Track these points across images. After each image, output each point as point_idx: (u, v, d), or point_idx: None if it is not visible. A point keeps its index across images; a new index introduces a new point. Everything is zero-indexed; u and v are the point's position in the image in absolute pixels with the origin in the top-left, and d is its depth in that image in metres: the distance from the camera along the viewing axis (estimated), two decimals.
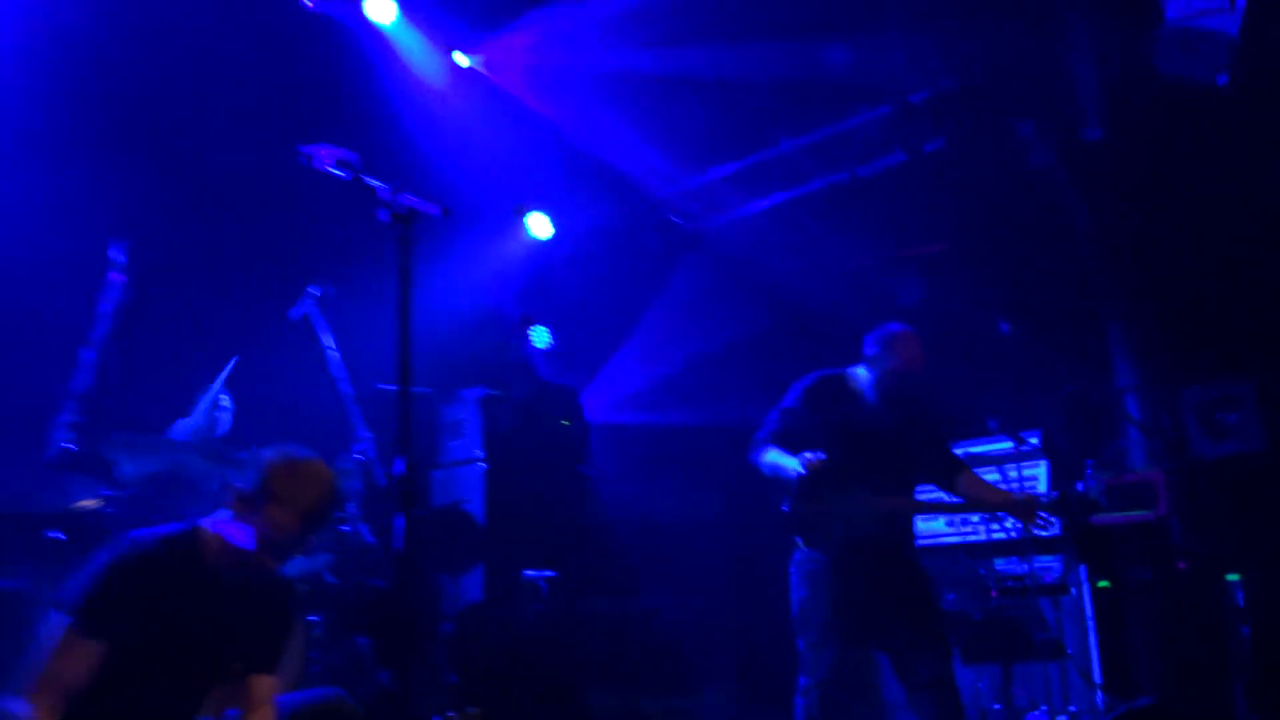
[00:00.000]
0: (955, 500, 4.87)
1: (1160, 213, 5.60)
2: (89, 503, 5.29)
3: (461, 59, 7.72)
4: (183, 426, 5.55)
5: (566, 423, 6.79)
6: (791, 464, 4.42)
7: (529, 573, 6.24)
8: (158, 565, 3.21)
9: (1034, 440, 6.02)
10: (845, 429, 4.61)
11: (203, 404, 5.56)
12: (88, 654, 3.07)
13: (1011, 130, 6.15)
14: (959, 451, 6.25)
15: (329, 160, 3.28)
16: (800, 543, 4.63)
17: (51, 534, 5.23)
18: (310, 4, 7.05)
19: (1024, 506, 4.65)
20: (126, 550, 3.20)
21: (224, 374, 5.52)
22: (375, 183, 3.14)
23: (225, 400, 5.65)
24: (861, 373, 4.78)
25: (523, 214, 3.07)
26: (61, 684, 3.05)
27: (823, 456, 4.34)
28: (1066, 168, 5.96)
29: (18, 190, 5.87)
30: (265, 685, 3.38)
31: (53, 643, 3.08)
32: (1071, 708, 5.58)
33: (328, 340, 5.70)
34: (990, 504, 4.91)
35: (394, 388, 3.58)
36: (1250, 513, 5.34)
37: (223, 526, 3.27)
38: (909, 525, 4.80)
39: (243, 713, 3.32)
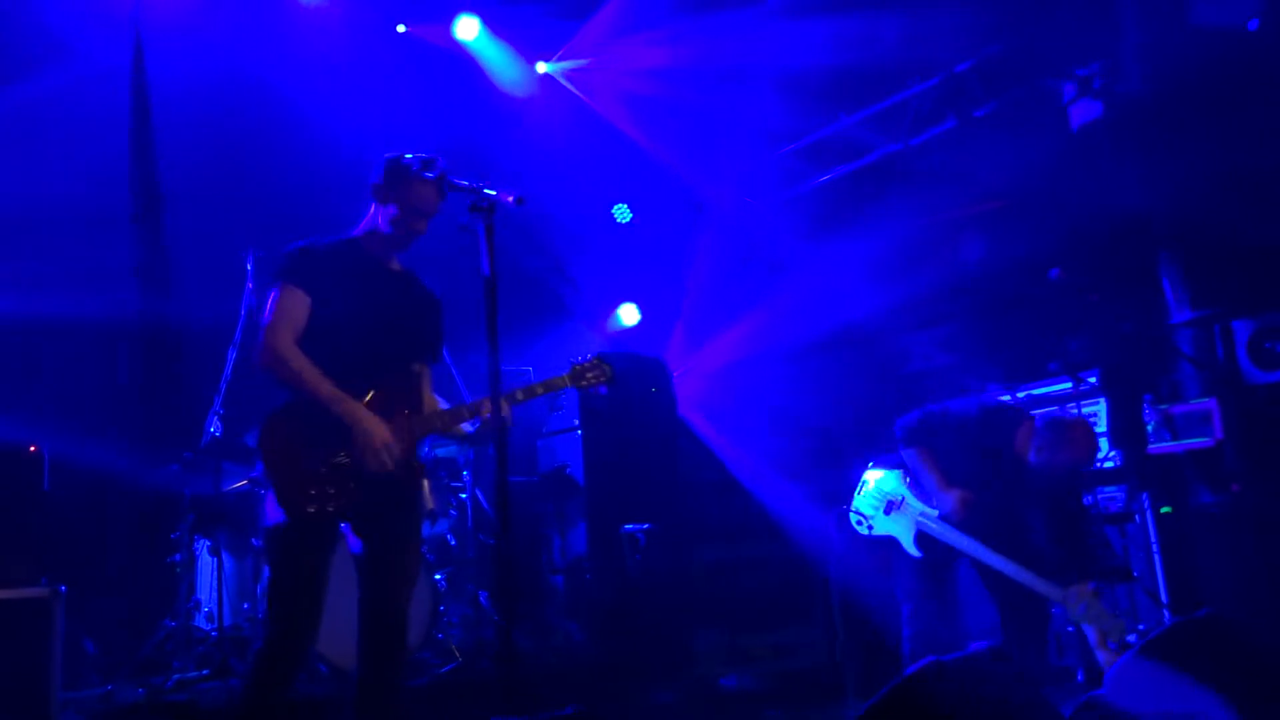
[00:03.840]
0: None
1: (1201, 158, 5.50)
2: (238, 485, 5.69)
3: (541, 67, 7.96)
4: None
5: (655, 390, 6.97)
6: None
7: (628, 527, 6.45)
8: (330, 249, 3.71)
9: (1093, 380, 6.02)
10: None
11: None
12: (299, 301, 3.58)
13: (1055, 89, 6.11)
14: (1023, 394, 6.30)
15: (416, 164, 3.59)
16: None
17: (207, 514, 5.64)
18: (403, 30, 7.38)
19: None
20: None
21: None
22: (461, 181, 3.42)
23: None
24: None
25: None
26: (284, 322, 3.55)
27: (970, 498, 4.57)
28: (1109, 121, 5.90)
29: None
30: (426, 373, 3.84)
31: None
32: (1140, 627, 5.58)
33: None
34: None
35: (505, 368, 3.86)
36: None
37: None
38: None
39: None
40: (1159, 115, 5.69)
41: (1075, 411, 5.99)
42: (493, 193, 3.25)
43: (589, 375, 3.86)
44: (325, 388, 3.52)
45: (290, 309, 3.59)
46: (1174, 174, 5.61)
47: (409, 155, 3.68)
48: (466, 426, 3.87)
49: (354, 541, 3.72)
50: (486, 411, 3.59)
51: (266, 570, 3.61)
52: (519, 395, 3.69)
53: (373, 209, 3.79)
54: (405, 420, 3.62)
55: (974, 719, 2.57)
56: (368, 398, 3.60)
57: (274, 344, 3.56)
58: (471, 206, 3.27)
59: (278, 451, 3.51)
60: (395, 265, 3.84)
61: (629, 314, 8.64)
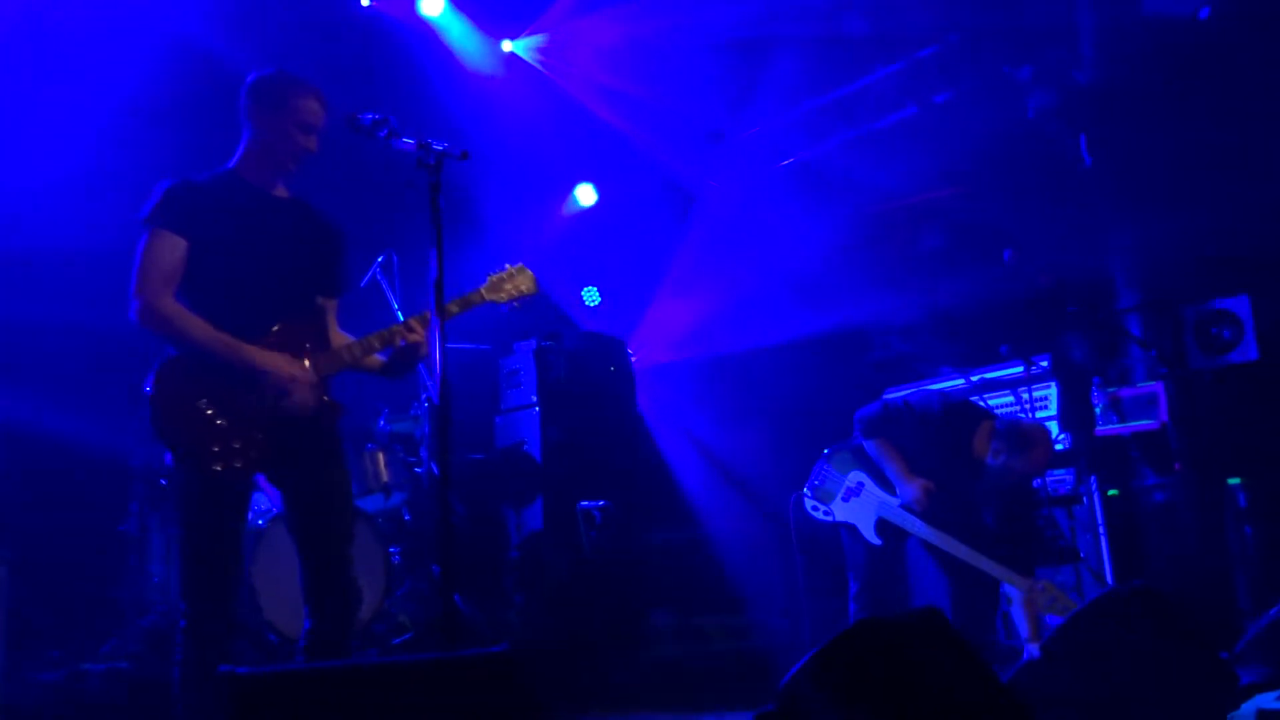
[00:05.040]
0: None
1: (1153, 145, 5.57)
2: None
3: (507, 45, 7.91)
4: None
5: (613, 369, 6.97)
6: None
7: (584, 504, 6.45)
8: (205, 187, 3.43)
9: (1044, 364, 6.07)
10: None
11: None
12: (174, 246, 3.28)
13: (1012, 76, 6.16)
14: (975, 378, 6.36)
15: (367, 123, 3.40)
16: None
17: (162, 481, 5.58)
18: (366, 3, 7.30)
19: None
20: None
21: None
22: (407, 139, 3.14)
23: None
24: None
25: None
26: (159, 273, 3.26)
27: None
28: (1064, 107, 5.96)
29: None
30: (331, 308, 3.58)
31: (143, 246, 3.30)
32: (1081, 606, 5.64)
33: (394, 302, 5.96)
34: None
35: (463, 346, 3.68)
36: (1245, 419, 5.34)
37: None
38: None
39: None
40: (1113, 102, 5.75)
41: (1028, 400, 6.05)
42: (440, 147, 3.09)
43: (506, 286, 3.55)
44: (215, 339, 3.24)
45: (163, 256, 3.27)
46: (1125, 162, 5.67)
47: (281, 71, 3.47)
48: (380, 358, 3.57)
49: (273, 498, 3.50)
50: (398, 338, 3.39)
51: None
52: (429, 317, 3.35)
53: (248, 135, 3.51)
54: (310, 358, 3.38)
55: (910, 677, 2.57)
56: (268, 338, 3.35)
57: (149, 299, 3.25)
58: (418, 162, 3.09)
59: (172, 406, 3.21)
60: (281, 192, 3.54)
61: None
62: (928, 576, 4.98)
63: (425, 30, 7.43)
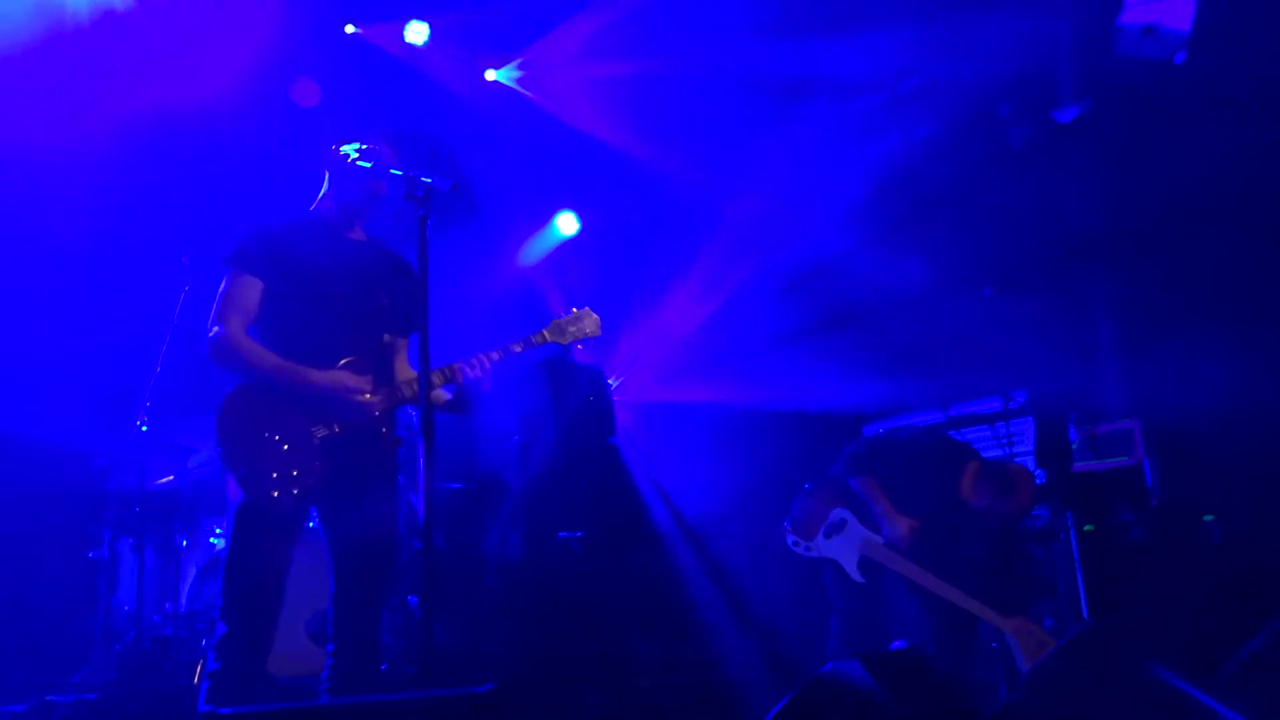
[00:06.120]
0: None
1: (1130, 181, 5.65)
2: (164, 480, 5.56)
3: (491, 74, 7.93)
4: None
5: (592, 398, 6.95)
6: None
7: (563, 534, 6.41)
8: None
9: (1020, 399, 6.11)
10: None
11: None
12: (250, 287, 3.45)
13: (992, 113, 6.24)
14: (953, 413, 6.39)
15: (355, 153, 3.52)
16: None
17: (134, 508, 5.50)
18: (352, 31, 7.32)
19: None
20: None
21: None
22: (395, 170, 3.29)
23: None
24: None
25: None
26: (235, 312, 3.43)
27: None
28: (1044, 143, 6.04)
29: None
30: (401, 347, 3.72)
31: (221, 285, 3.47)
32: (1061, 643, 5.64)
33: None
34: None
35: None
36: (1221, 458, 5.38)
37: None
38: None
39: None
40: (1090, 140, 5.83)
41: (1005, 435, 6.08)
42: (429, 180, 3.13)
43: (570, 329, 3.63)
44: (281, 366, 3.37)
45: (240, 295, 3.45)
46: (1104, 194, 5.74)
47: (353, 145, 3.60)
48: (445, 393, 3.64)
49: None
50: (460, 375, 3.44)
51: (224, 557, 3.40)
52: (496, 355, 3.50)
53: (326, 179, 3.69)
54: (373, 393, 3.46)
55: (893, 713, 2.57)
56: (334, 371, 3.45)
57: (224, 335, 3.41)
58: (406, 194, 3.14)
59: (237, 431, 3.33)
60: (358, 234, 3.70)
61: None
62: (909, 614, 4.97)
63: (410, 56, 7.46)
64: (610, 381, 7.37)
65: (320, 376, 3.38)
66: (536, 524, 6.53)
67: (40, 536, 5.68)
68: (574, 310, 3.67)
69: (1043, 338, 5.81)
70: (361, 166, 3.54)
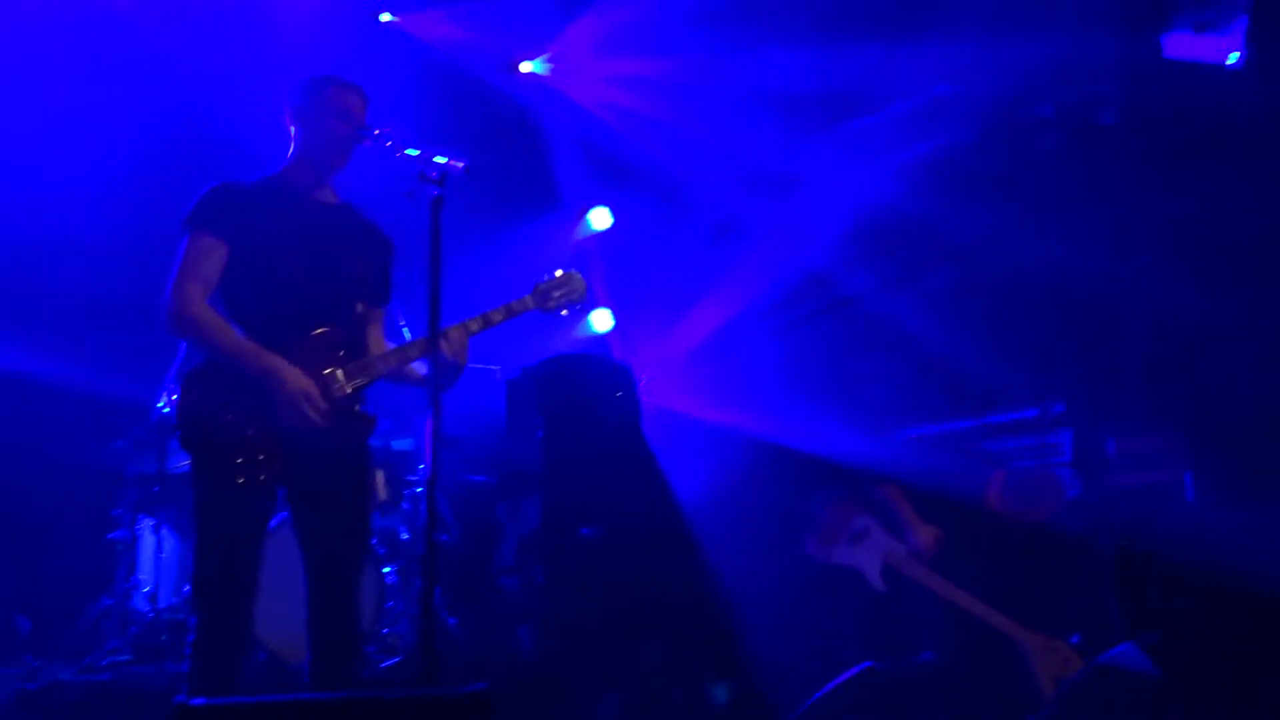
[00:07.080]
0: None
1: (1171, 189, 5.49)
2: (184, 463, 5.54)
3: (526, 66, 7.87)
4: None
5: (619, 395, 6.86)
6: None
7: (584, 531, 6.33)
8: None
9: (1058, 409, 5.95)
10: None
11: None
12: (212, 250, 3.25)
13: (1032, 117, 6.09)
14: (986, 422, 6.22)
15: (374, 132, 3.30)
16: None
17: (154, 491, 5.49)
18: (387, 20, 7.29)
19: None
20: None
21: None
22: (411, 150, 3.07)
23: None
24: None
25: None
26: (195, 278, 3.23)
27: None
28: (1082, 150, 5.89)
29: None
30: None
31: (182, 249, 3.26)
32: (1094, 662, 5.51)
33: (401, 323, 5.87)
34: None
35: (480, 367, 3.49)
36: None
37: None
38: None
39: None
40: (1130, 147, 5.68)
41: (1042, 446, 5.93)
42: (443, 160, 2.97)
43: (555, 294, 3.42)
44: (237, 344, 3.19)
45: (200, 260, 3.23)
46: (1145, 205, 5.59)
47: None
48: (419, 368, 3.43)
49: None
50: (440, 347, 3.20)
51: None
52: (473, 325, 3.31)
53: (293, 137, 3.47)
54: (344, 367, 3.29)
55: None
56: (303, 343, 3.27)
57: (180, 302, 3.21)
58: (420, 175, 2.97)
59: (197, 417, 3.16)
60: (329, 197, 3.49)
61: (601, 319, 8.46)
62: (933, 626, 4.86)
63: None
64: (637, 380, 7.27)
65: (271, 367, 3.15)
66: (557, 520, 6.45)
67: (60, 518, 5.68)
68: (558, 273, 3.47)
69: (1083, 348, 5.65)
70: (344, 84, 3.40)
